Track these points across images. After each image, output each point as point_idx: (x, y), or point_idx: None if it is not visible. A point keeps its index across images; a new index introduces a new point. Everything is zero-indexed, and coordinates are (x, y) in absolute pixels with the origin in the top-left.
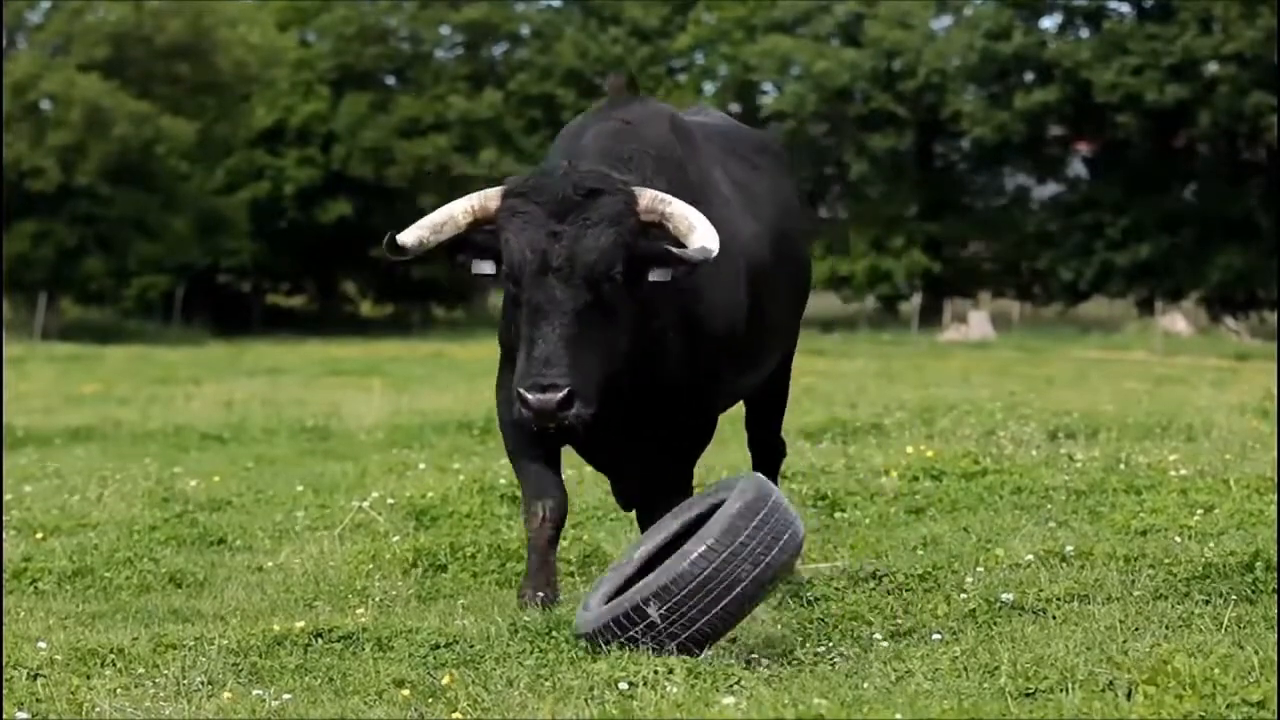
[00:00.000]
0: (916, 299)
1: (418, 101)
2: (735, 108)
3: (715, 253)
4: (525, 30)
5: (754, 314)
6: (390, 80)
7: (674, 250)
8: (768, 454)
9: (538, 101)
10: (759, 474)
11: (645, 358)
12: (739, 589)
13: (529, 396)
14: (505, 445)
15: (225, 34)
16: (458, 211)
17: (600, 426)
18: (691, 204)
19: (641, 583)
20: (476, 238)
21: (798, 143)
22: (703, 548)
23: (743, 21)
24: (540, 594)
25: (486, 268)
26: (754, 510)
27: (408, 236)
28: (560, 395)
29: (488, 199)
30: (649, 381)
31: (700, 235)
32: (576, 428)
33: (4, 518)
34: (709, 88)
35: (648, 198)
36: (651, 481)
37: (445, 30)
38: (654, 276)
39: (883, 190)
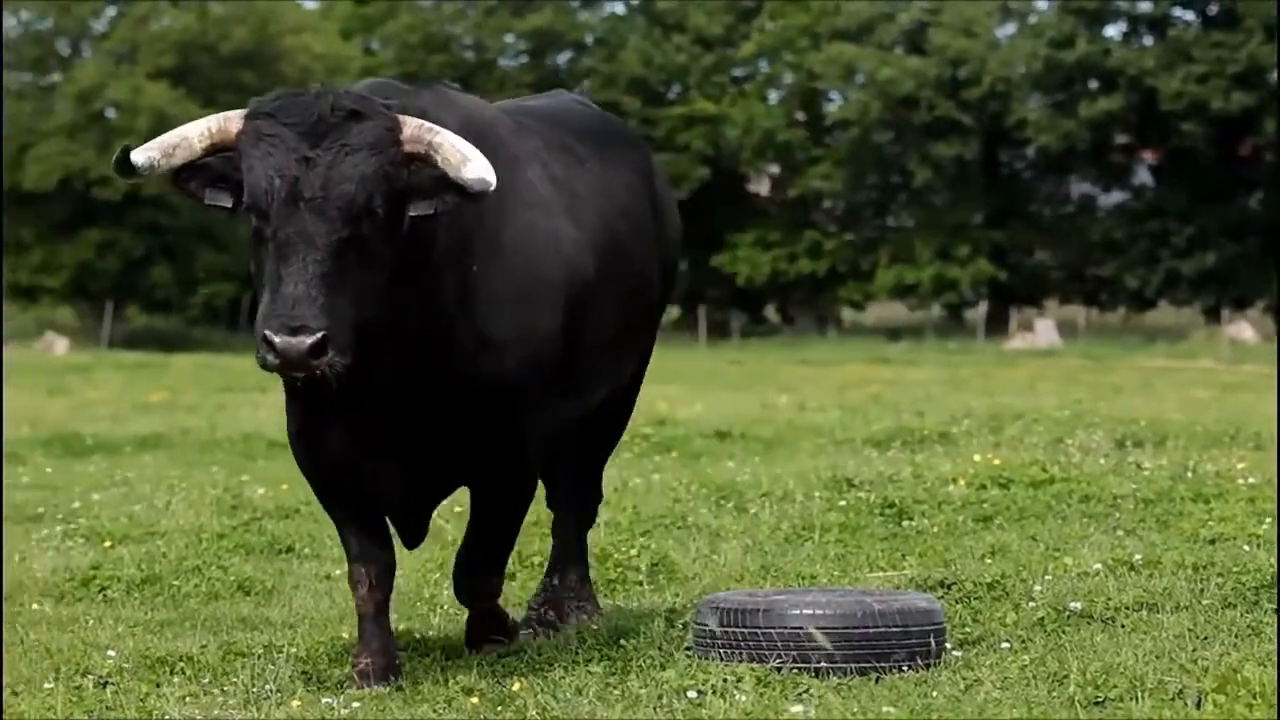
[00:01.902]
0: (982, 307)
1: None
2: (800, 116)
3: (493, 184)
4: (589, 38)
5: (573, 333)
6: (455, 88)
7: (448, 175)
8: (580, 493)
9: (602, 109)
10: None
11: (426, 344)
12: None
13: (275, 339)
14: (311, 486)
15: (290, 42)
16: (193, 133)
17: (388, 432)
18: (479, 211)
19: None
20: (213, 164)
21: (862, 151)
22: None
23: (807, 29)
24: (373, 662)
25: (222, 199)
26: None
27: (138, 156)
28: (313, 339)
29: (228, 120)
30: (433, 377)
31: (475, 167)
32: (330, 379)
33: (71, 526)
34: (773, 96)
35: (412, 125)
36: (475, 526)
37: (510, 38)
38: (415, 210)
39: (948, 198)
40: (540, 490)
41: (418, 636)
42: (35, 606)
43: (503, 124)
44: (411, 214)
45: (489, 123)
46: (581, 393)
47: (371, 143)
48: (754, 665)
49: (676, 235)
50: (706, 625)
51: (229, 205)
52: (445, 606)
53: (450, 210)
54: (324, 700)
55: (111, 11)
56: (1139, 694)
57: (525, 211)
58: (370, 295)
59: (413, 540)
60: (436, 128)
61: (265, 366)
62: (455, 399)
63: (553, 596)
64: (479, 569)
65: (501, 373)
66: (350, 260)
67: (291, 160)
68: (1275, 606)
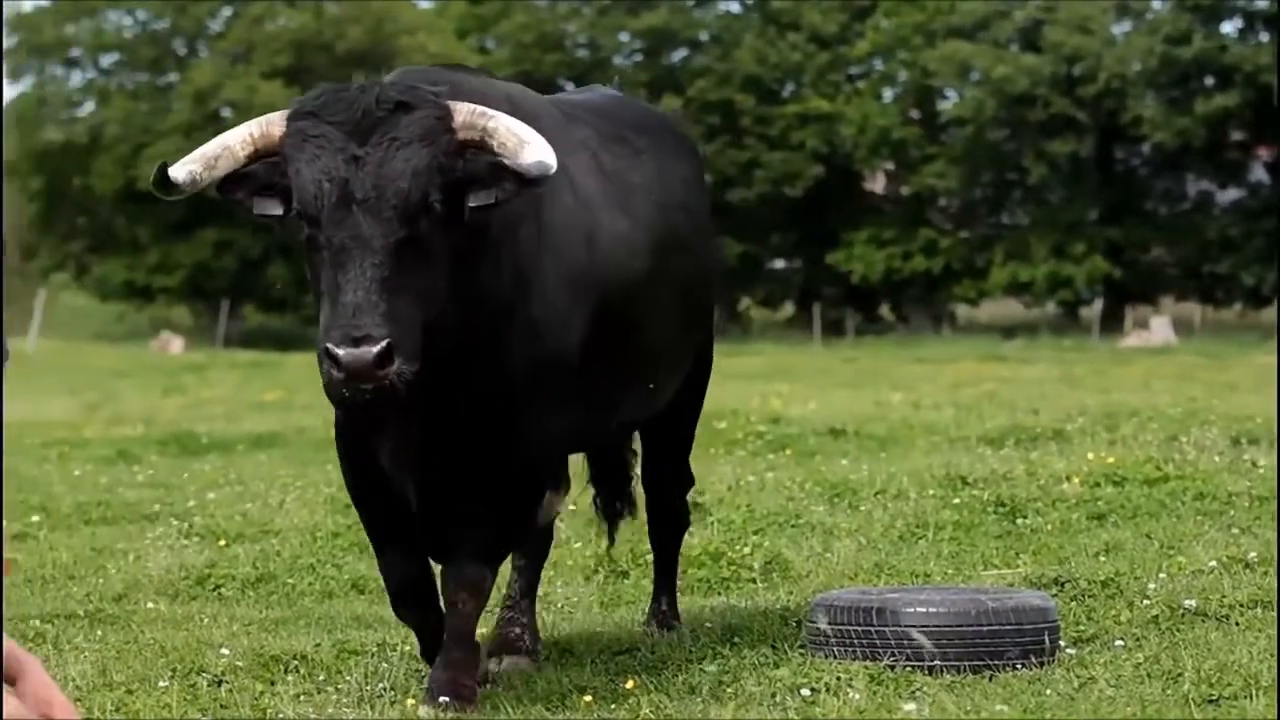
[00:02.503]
0: (1097, 304)
1: None
2: (915, 113)
3: (554, 168)
4: (704, 36)
5: (616, 336)
6: (569, 87)
7: (506, 161)
8: (664, 519)
9: (717, 108)
10: None
11: (477, 328)
12: None
13: (339, 352)
14: (349, 494)
15: (405, 41)
16: (234, 141)
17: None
18: (512, 212)
19: None
20: (259, 172)
21: (977, 148)
22: None
23: (922, 27)
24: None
25: (271, 207)
26: None
27: (179, 171)
28: (378, 348)
29: (270, 124)
30: (480, 369)
31: (533, 150)
32: (399, 389)
33: (186, 525)
34: (888, 94)
35: (465, 111)
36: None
37: (624, 37)
38: (475, 201)
39: (1063, 196)
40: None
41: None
42: (150, 605)
43: (549, 113)
44: (471, 205)
45: (534, 109)
46: (652, 392)
47: (422, 134)
48: (867, 663)
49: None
50: (819, 624)
51: (279, 213)
52: (558, 604)
53: (510, 199)
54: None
55: (227, 11)
56: (1253, 692)
57: (575, 200)
58: (434, 295)
59: (440, 550)
60: (490, 111)
61: (330, 382)
62: (497, 391)
63: (666, 608)
64: (471, 557)
65: (543, 364)
66: (410, 261)
67: (339, 161)
68: None
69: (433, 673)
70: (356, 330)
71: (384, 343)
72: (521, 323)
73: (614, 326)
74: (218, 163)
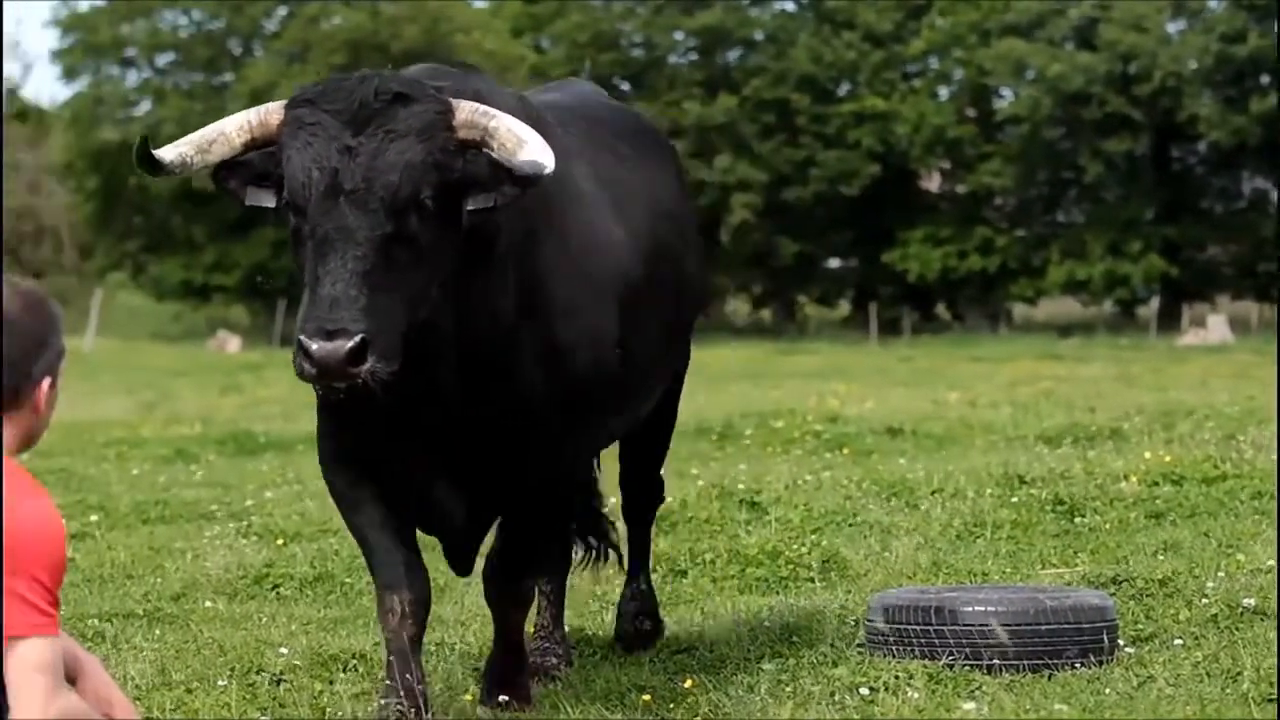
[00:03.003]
0: (1154, 303)
1: (652, 107)
2: (970, 112)
3: (549, 169)
4: (759, 35)
5: (623, 344)
6: (625, 86)
7: (502, 161)
8: (641, 494)
9: (772, 107)
10: None
11: (488, 350)
12: None
13: (311, 344)
14: (337, 505)
15: (461, 40)
16: (231, 128)
17: (434, 440)
18: (544, 206)
19: None
20: (254, 160)
21: (1033, 147)
22: None
23: (977, 25)
24: (401, 707)
25: (264, 199)
26: None
27: (168, 152)
28: (351, 344)
29: (269, 112)
30: (494, 385)
31: (531, 150)
32: (373, 388)
33: (244, 524)
34: (943, 92)
35: (467, 109)
36: (509, 542)
37: (679, 36)
38: (474, 204)
39: (1119, 194)
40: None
41: (589, 633)
42: (208, 604)
43: (549, 115)
44: (469, 208)
45: (538, 112)
46: (634, 402)
47: (420, 128)
48: (926, 662)
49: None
50: (878, 623)
51: (272, 204)
52: (616, 603)
53: (510, 203)
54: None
55: (283, 11)
56: None
57: (583, 210)
58: (421, 297)
59: (465, 566)
60: (493, 111)
61: (303, 376)
62: (515, 408)
63: (644, 604)
64: (513, 571)
65: (566, 380)
66: (397, 258)
67: (332, 149)
68: None
69: (489, 674)
70: (331, 324)
71: (358, 338)
72: (532, 342)
73: (622, 334)
74: (212, 147)
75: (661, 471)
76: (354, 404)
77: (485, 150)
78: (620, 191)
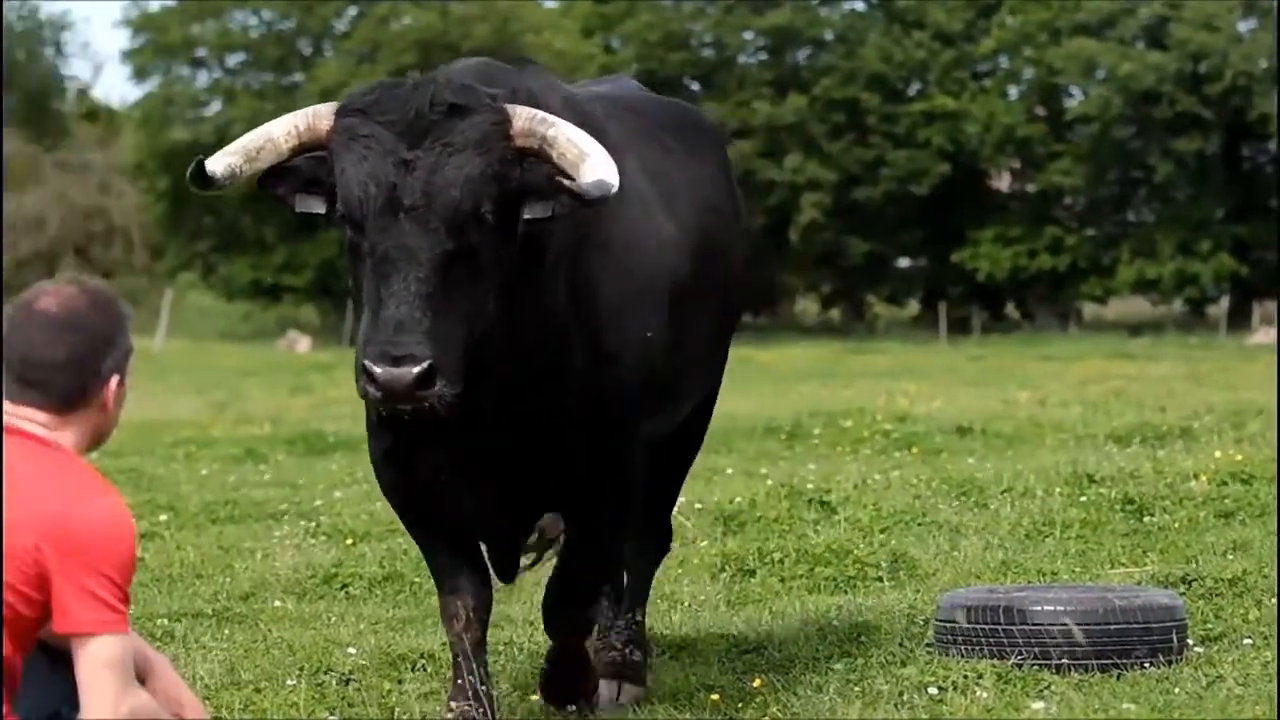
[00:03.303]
0: (1224, 302)
1: (722, 107)
2: (1040, 111)
3: (615, 187)
4: (829, 35)
5: (673, 341)
6: (694, 86)
7: (563, 180)
8: (648, 541)
9: (842, 106)
10: None
11: (536, 356)
12: None
13: (377, 370)
14: (398, 514)
15: (531, 40)
16: (278, 133)
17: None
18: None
19: None
20: (302, 166)
21: (1103, 146)
22: None
23: (1047, 24)
24: (468, 712)
25: (315, 206)
26: None
27: (216, 164)
28: (419, 369)
29: (317, 117)
30: (542, 392)
31: (594, 165)
32: (438, 411)
33: (313, 524)
34: (1013, 91)
35: (524, 117)
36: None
37: (749, 35)
38: (530, 213)
39: (1189, 193)
40: None
41: (657, 633)
42: (278, 604)
43: (598, 109)
44: (526, 216)
45: (587, 107)
46: (676, 406)
47: (478, 140)
48: (995, 662)
49: (747, 235)
50: (949, 621)
51: (322, 211)
52: (685, 603)
53: (568, 212)
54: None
55: (353, 11)
56: None
57: (628, 208)
58: (481, 314)
59: (509, 573)
60: (551, 118)
61: (366, 398)
62: (563, 415)
63: (636, 634)
64: (576, 599)
65: (615, 384)
66: (458, 275)
67: (388, 164)
68: None
69: (549, 678)
70: (396, 348)
71: (425, 364)
72: (584, 345)
73: (670, 336)
74: (259, 154)
75: (673, 516)
76: (418, 423)
77: (544, 159)
78: (669, 186)
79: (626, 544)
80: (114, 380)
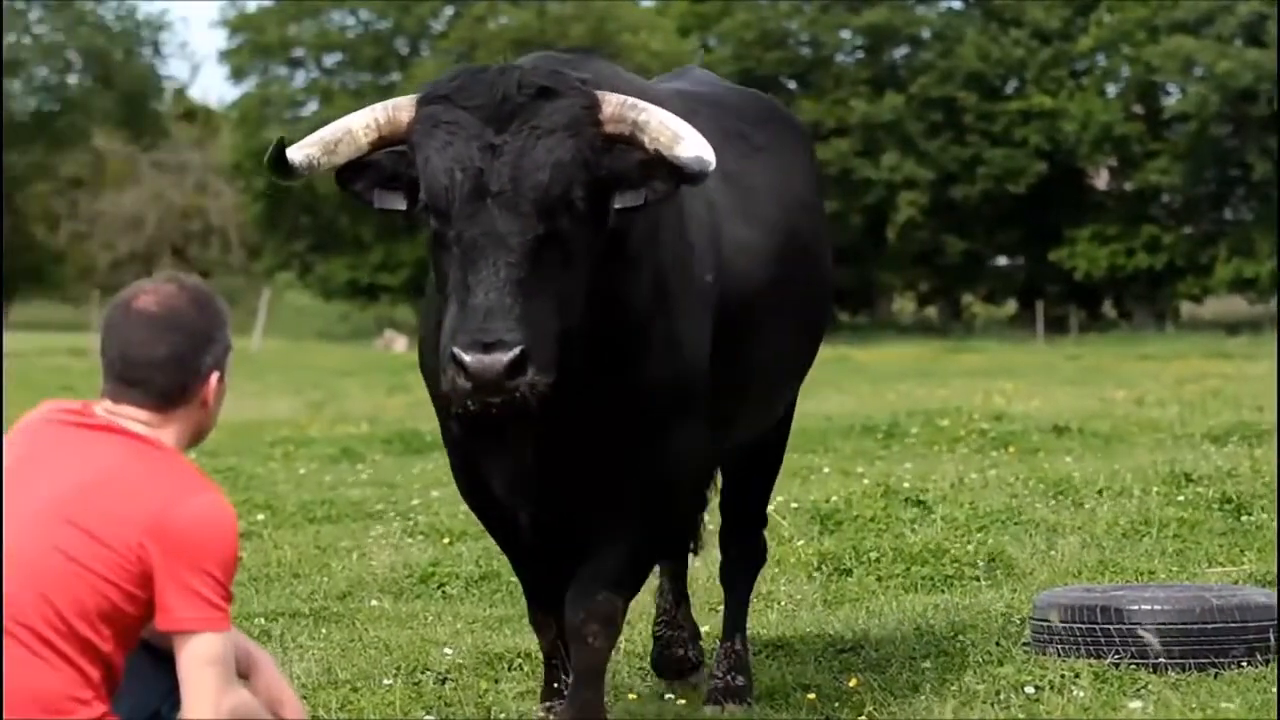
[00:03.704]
0: None
1: (818, 105)
2: (1138, 109)
3: (713, 164)
4: (926, 33)
5: (737, 349)
6: (791, 84)
7: (665, 155)
8: (740, 556)
9: (939, 104)
10: None
11: (611, 342)
12: None
13: (467, 358)
14: (477, 517)
15: (628, 39)
16: (357, 126)
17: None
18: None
19: None
20: (382, 161)
21: (1201, 144)
22: None
23: (1145, 22)
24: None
25: (395, 202)
26: None
27: (296, 153)
28: (510, 356)
29: (398, 108)
30: (619, 385)
31: (691, 145)
32: (529, 403)
33: (410, 523)
34: (1111, 89)
35: (614, 102)
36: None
37: (846, 34)
38: (621, 202)
39: None
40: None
41: (755, 632)
42: (374, 603)
43: (676, 105)
44: (617, 205)
45: (660, 101)
46: (753, 411)
47: (567, 124)
48: (1092, 661)
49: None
50: (1046, 621)
51: (403, 208)
52: (782, 601)
53: (662, 199)
54: (664, 695)
55: (450, 10)
56: None
57: (694, 203)
58: (572, 303)
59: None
60: (642, 104)
61: (455, 391)
62: (629, 400)
63: (738, 661)
64: (603, 586)
65: (681, 375)
66: (548, 262)
67: (474, 149)
68: None
69: (560, 712)
70: (487, 335)
71: (517, 349)
72: (660, 336)
73: (735, 339)
74: (338, 147)
75: (765, 532)
76: (508, 418)
77: (635, 144)
78: (751, 186)
79: (724, 560)
80: (214, 377)
